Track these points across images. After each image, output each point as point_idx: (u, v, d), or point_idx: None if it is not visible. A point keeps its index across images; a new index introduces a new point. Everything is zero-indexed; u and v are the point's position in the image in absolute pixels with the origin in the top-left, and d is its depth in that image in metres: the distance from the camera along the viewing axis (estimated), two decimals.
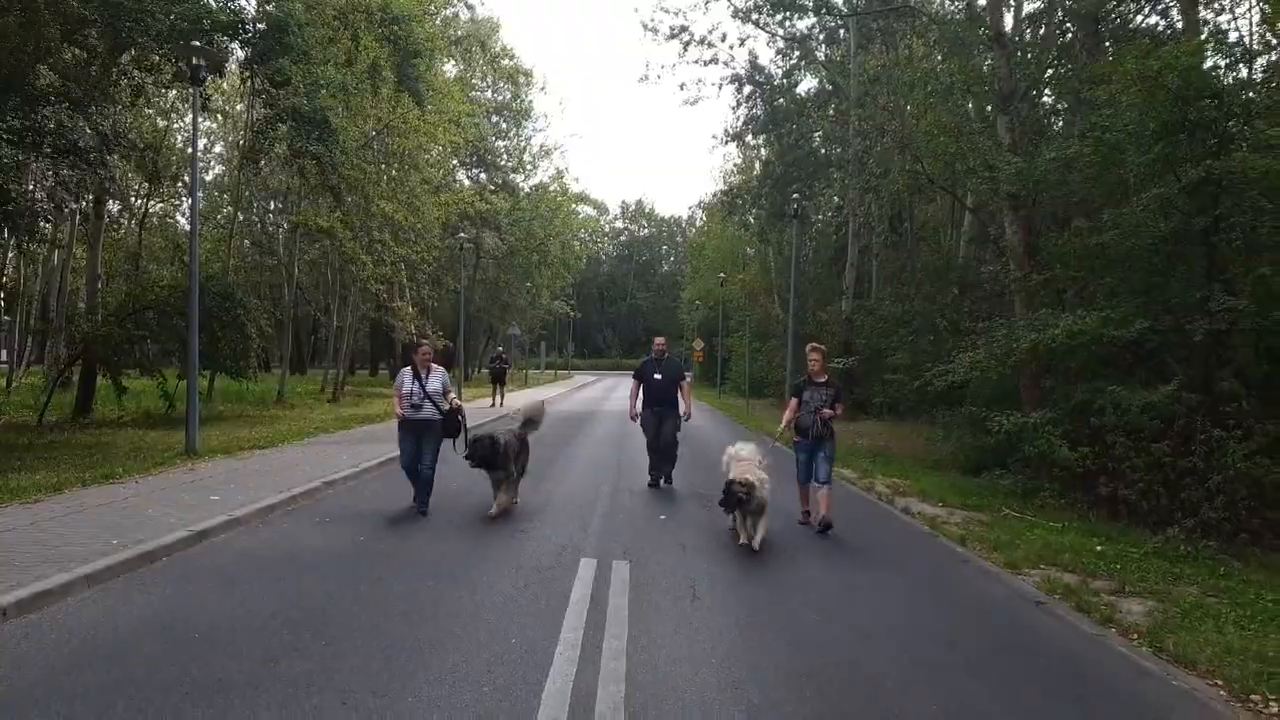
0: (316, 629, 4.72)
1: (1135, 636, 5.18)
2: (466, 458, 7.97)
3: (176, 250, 23.67)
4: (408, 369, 8.37)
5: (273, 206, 36.93)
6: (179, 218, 38.90)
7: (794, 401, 8.22)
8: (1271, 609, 5.81)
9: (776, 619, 5.26)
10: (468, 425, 8.45)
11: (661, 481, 10.30)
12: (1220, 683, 4.41)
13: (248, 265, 36.64)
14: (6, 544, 6.08)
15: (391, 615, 5.01)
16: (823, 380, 8.17)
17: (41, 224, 11.65)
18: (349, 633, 4.67)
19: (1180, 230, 9.00)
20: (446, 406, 8.26)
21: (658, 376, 10.14)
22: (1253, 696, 4.21)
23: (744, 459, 7.67)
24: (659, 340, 10.74)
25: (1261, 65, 11.01)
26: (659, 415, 10.10)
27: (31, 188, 10.00)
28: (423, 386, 8.15)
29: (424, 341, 8.66)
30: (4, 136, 9.21)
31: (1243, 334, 9.09)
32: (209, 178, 40.17)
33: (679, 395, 10.23)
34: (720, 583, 6.06)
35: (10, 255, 21.08)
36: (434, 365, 8.35)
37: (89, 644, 4.43)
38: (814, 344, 8.64)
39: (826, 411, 7.95)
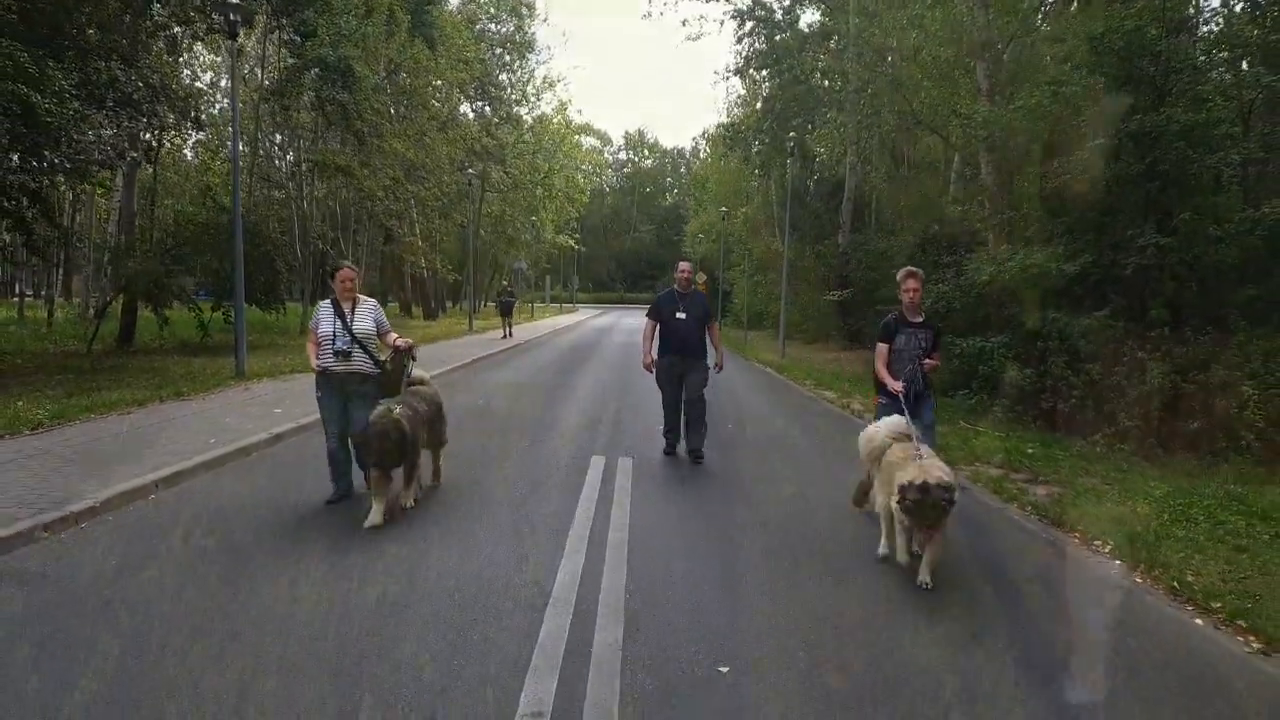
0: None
1: (1029, 509, 6.60)
2: (362, 466, 5.69)
3: (205, 192, 24.65)
4: (325, 303, 6.03)
5: (278, 139, 37.60)
6: (187, 153, 39.73)
7: (884, 348, 6.04)
8: (1150, 492, 7.18)
9: (743, 494, 6.73)
10: (409, 374, 6.27)
11: (689, 455, 7.87)
12: (1077, 535, 5.83)
13: (256, 200, 37.58)
14: (125, 443, 7.51)
15: (447, 491, 6.46)
16: (919, 320, 6.07)
17: (101, 171, 12.73)
18: (419, 503, 6.09)
19: (1121, 175, 10.11)
20: (383, 355, 6.07)
21: (681, 315, 7.72)
22: (1096, 542, 5.63)
23: (889, 439, 5.23)
24: (684, 266, 8.03)
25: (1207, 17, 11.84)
26: (681, 367, 7.79)
27: (92, 137, 11.04)
28: (347, 326, 5.86)
29: (345, 263, 6.28)
30: (71, 91, 10.28)
31: (1174, 268, 10.28)
32: (215, 110, 40.68)
33: (707, 340, 7.96)
34: (704, 474, 7.49)
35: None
36: (361, 296, 6.08)
37: (225, 507, 5.88)
38: (910, 268, 6.18)
39: (928, 362, 5.99)
